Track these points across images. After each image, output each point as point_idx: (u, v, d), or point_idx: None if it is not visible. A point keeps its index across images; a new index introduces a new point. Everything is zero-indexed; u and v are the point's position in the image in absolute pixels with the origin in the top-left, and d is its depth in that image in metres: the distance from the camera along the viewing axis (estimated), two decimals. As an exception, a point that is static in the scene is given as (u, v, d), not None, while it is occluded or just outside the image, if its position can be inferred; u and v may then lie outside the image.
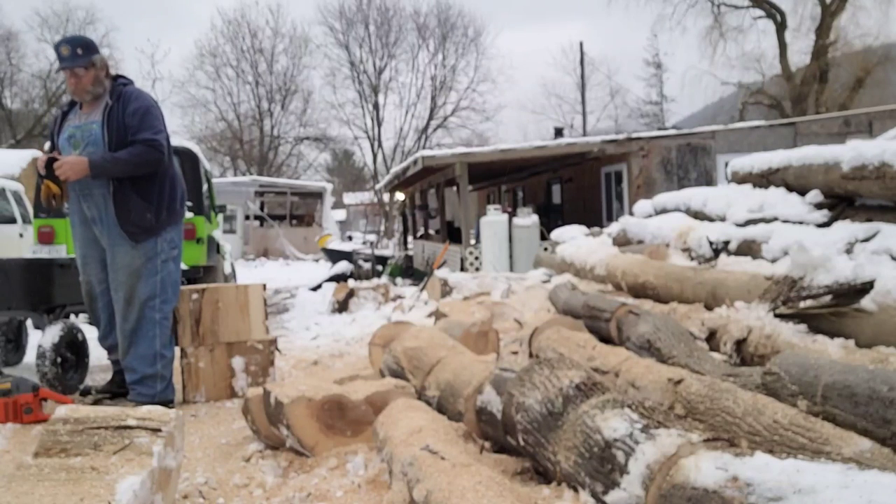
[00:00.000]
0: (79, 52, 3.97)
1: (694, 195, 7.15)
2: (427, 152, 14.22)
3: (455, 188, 15.09)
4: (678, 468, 1.76)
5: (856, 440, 2.04)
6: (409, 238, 20.89)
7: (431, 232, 19.12)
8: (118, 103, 3.97)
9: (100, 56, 4.05)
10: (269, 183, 28.97)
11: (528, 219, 12.20)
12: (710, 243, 5.69)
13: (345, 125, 39.07)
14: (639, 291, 5.38)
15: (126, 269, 3.97)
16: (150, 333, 3.98)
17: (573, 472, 2.12)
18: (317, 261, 22.98)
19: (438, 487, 1.92)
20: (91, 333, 4.62)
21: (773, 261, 4.76)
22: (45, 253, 7.29)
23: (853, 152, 4.74)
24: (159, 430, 2.23)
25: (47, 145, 7.38)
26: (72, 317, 5.10)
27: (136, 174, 3.94)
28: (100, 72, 4.03)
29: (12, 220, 11.36)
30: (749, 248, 5.25)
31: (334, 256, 17.04)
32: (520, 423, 2.42)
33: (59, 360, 4.41)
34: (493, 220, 12.13)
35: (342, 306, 8.65)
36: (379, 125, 38.66)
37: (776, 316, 3.55)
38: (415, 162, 14.02)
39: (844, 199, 5.16)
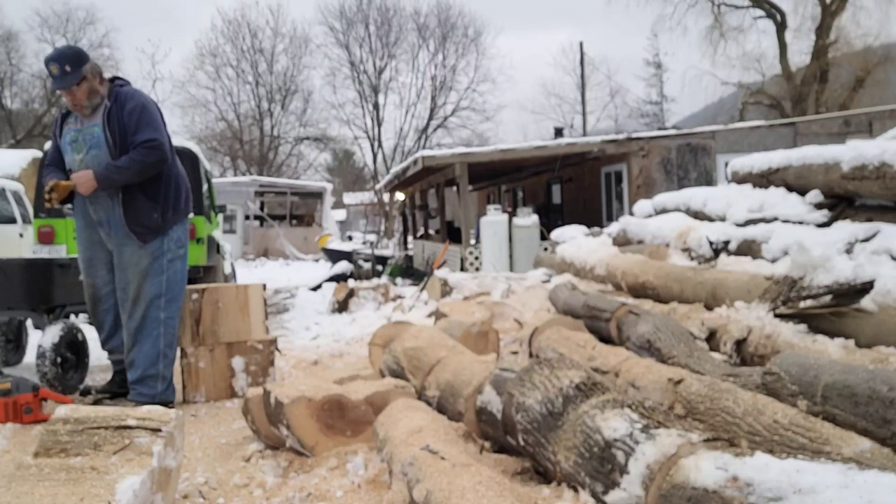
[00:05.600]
0: (67, 69, 3.87)
1: (694, 195, 7.15)
2: (427, 152, 14.22)
3: (455, 188, 15.09)
4: (678, 468, 1.76)
5: (856, 440, 2.04)
6: (409, 238, 20.89)
7: (431, 232, 19.11)
8: (116, 104, 3.96)
9: (90, 65, 3.95)
10: (269, 183, 28.97)
11: (528, 219, 12.20)
12: (710, 243, 5.69)
13: (345, 125, 39.13)
14: (639, 291, 5.38)
15: (134, 269, 3.98)
16: (155, 332, 3.98)
17: (573, 472, 2.12)
18: (317, 261, 22.99)
19: (438, 487, 1.92)
20: (91, 333, 4.61)
21: (773, 261, 4.76)
22: (45, 253, 7.29)
23: (853, 152, 4.74)
24: (159, 430, 2.23)
25: (48, 145, 7.40)
26: (72, 317, 5.10)
27: (143, 178, 3.94)
28: (93, 81, 3.95)
29: (12, 220, 11.35)
30: (749, 248, 5.25)
31: (334, 256, 17.05)
32: (520, 423, 2.42)
33: (59, 360, 4.41)
34: (493, 220, 12.13)
35: (342, 306, 8.65)
36: (379, 125, 38.70)
37: (776, 316, 3.55)
38: (415, 162, 14.02)
39: (844, 199, 5.16)
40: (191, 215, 7.58)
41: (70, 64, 3.89)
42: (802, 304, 3.48)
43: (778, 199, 5.63)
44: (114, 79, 4.16)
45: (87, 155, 3.97)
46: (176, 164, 4.17)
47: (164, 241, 4.03)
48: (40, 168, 7.67)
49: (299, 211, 29.99)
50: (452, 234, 15.13)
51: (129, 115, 3.93)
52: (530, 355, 4.07)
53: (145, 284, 3.97)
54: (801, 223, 5.17)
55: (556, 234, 9.74)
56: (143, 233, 3.97)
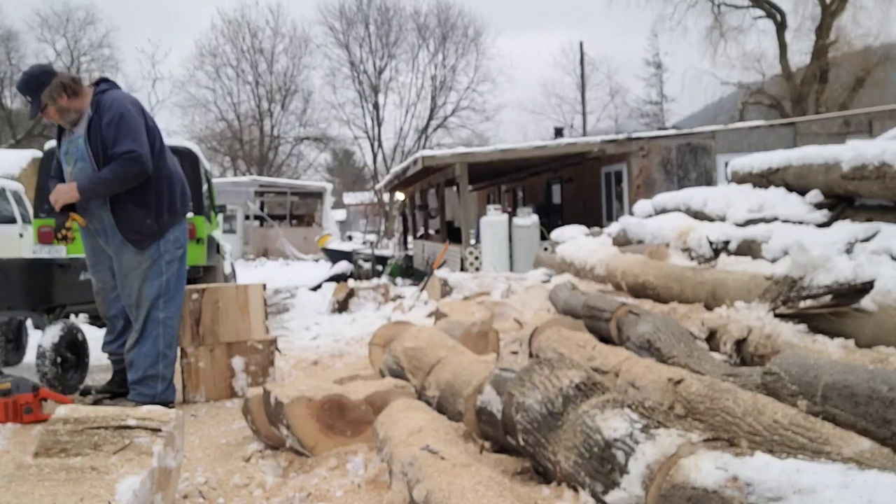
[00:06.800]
0: (29, 98, 3.91)
1: (694, 195, 7.15)
2: (427, 152, 14.21)
3: (455, 188, 15.09)
4: (678, 468, 1.76)
5: (856, 440, 2.04)
6: (409, 238, 20.89)
7: (431, 232, 19.12)
8: (96, 114, 3.89)
9: (49, 88, 3.84)
10: (269, 183, 28.98)
11: (528, 219, 12.20)
12: (710, 243, 5.69)
13: (345, 125, 39.12)
14: (639, 291, 5.37)
15: (133, 273, 3.98)
16: (154, 333, 3.98)
17: (573, 472, 2.13)
18: (317, 261, 22.99)
19: (438, 487, 1.92)
20: (91, 333, 4.61)
21: (773, 261, 4.76)
22: (45, 253, 7.29)
23: (853, 152, 4.74)
24: (159, 430, 2.23)
25: (48, 145, 7.41)
26: (72, 317, 5.10)
27: (125, 189, 3.88)
28: (59, 101, 3.88)
29: (12, 220, 11.34)
30: (749, 248, 5.25)
31: (334, 256, 17.05)
32: (520, 423, 2.42)
33: (59, 360, 4.41)
34: (493, 220, 12.13)
35: (342, 306, 8.65)
36: (379, 125, 38.69)
37: (776, 316, 3.55)
38: (415, 162, 14.02)
39: (844, 199, 5.16)
40: (190, 215, 7.60)
41: (29, 94, 3.90)
42: (802, 304, 3.48)
43: (778, 199, 5.63)
44: (99, 81, 4.08)
45: (75, 167, 3.97)
46: (167, 165, 4.08)
47: (161, 243, 4.00)
48: (40, 168, 7.68)
49: (299, 211, 30.00)
50: (452, 234, 15.13)
51: (107, 127, 3.85)
52: (530, 355, 4.06)
53: (145, 287, 3.96)
54: (801, 223, 5.16)
55: (556, 234, 9.74)
56: (139, 240, 3.95)
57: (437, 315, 5.31)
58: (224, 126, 38.56)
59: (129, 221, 3.93)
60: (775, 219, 5.42)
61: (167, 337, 4.02)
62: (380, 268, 15.86)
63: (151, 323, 3.97)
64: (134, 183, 3.89)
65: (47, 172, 6.94)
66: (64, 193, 3.89)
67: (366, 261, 15.79)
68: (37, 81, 3.89)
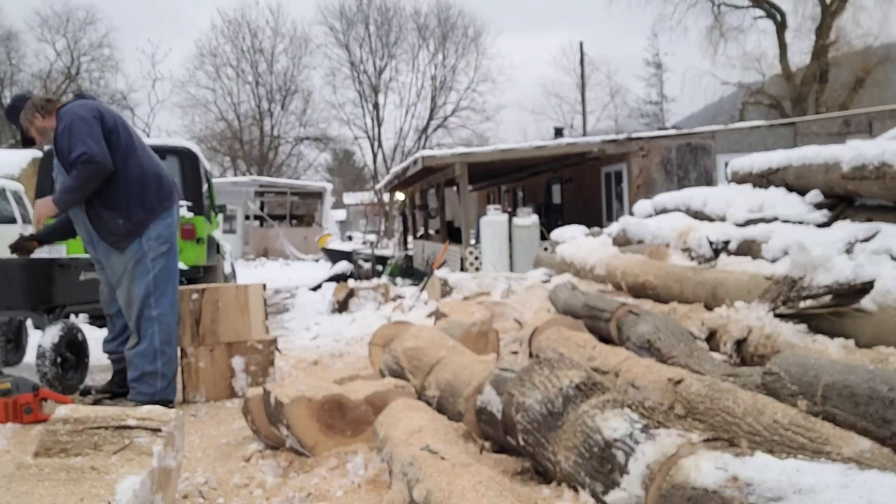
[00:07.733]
0: (16, 127, 4.15)
1: (694, 195, 7.15)
2: (427, 152, 14.21)
3: (455, 188, 15.09)
4: (678, 468, 1.76)
5: (856, 440, 2.04)
6: (409, 238, 20.89)
7: (431, 232, 19.11)
8: (57, 128, 4.00)
9: (24, 113, 4.06)
10: (269, 183, 28.99)
11: (528, 219, 12.19)
12: (710, 243, 5.69)
13: (345, 125, 39.14)
14: (639, 291, 5.38)
15: (119, 275, 4.02)
16: (150, 331, 3.99)
17: (573, 472, 2.13)
18: (317, 261, 23.00)
19: (438, 487, 1.92)
20: (91, 333, 4.61)
21: (773, 261, 4.76)
22: (45, 253, 7.28)
23: (853, 152, 4.74)
24: (159, 430, 2.23)
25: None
26: (72, 317, 5.10)
27: (89, 192, 3.92)
28: (35, 121, 4.06)
29: (12, 220, 11.35)
30: (749, 248, 5.25)
31: (334, 256, 17.06)
32: (520, 423, 2.42)
33: (59, 360, 4.42)
34: (493, 220, 12.13)
35: (342, 306, 8.65)
36: (379, 125, 38.69)
37: (776, 316, 3.55)
38: (415, 162, 14.01)
39: (844, 199, 5.16)
40: (190, 215, 7.59)
41: (13, 122, 4.14)
42: (802, 304, 3.48)
43: (778, 199, 5.63)
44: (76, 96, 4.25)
45: (57, 177, 4.07)
46: (139, 165, 4.05)
47: (143, 241, 4.00)
48: (40, 168, 7.68)
49: (299, 211, 30.01)
50: (452, 234, 15.13)
51: (61, 138, 3.93)
52: (530, 355, 4.07)
53: (133, 287, 3.99)
54: (801, 223, 5.16)
55: (556, 234, 9.74)
56: (117, 241, 3.99)
57: (437, 315, 5.32)
58: (224, 126, 38.59)
59: (103, 224, 3.98)
60: (775, 219, 5.42)
61: (163, 334, 4.03)
62: (380, 268, 15.86)
63: (145, 322, 4.00)
64: (96, 183, 3.90)
65: (47, 172, 6.97)
66: (42, 209, 4.00)
67: (366, 261, 15.80)
68: (15, 109, 4.11)
